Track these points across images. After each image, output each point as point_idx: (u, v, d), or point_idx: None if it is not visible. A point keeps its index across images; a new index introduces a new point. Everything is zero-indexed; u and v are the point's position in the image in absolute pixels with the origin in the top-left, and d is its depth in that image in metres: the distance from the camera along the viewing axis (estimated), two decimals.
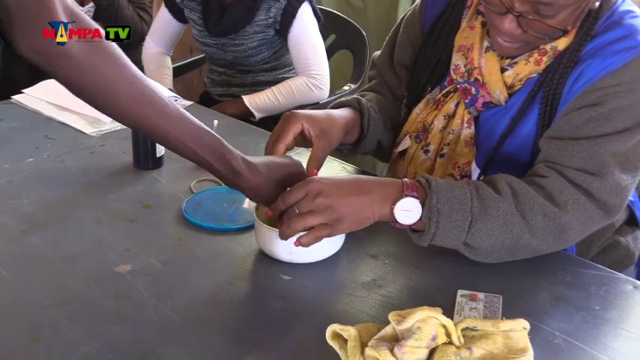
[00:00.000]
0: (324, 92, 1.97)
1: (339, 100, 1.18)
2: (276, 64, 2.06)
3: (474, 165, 1.10)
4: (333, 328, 0.76)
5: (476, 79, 1.07)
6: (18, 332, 0.80)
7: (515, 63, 1.03)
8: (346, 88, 2.22)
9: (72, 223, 1.05)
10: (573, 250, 1.08)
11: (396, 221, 0.89)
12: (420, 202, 0.88)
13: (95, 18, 2.34)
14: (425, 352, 0.70)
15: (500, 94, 1.05)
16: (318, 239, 0.88)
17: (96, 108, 0.82)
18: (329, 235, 0.88)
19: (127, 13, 2.33)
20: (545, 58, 1.01)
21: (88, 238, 1.01)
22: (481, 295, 0.86)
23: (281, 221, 0.89)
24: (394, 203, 0.88)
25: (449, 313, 0.82)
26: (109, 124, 1.42)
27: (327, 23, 2.08)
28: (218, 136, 0.89)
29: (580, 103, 0.96)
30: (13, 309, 0.84)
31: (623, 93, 0.93)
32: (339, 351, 0.75)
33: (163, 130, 0.84)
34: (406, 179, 0.91)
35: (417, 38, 1.21)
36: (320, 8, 2.05)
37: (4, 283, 0.89)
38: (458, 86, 1.10)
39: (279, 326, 0.82)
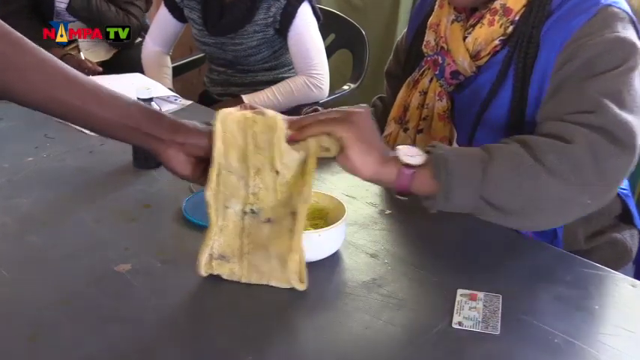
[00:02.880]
0: (323, 91, 1.97)
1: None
2: (276, 63, 2.06)
3: (455, 144, 1.13)
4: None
5: (442, 48, 1.12)
6: (18, 332, 0.79)
7: (473, 29, 1.07)
8: (345, 87, 2.22)
9: (71, 223, 1.05)
10: (561, 237, 1.09)
11: (401, 165, 0.84)
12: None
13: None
14: None
15: (463, 61, 1.09)
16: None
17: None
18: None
19: (111, 16, 2.34)
20: (497, 18, 1.04)
21: (87, 237, 1.01)
22: (481, 295, 0.86)
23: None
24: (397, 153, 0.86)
25: (449, 312, 0.83)
26: None
27: (327, 23, 2.08)
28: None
29: (559, 64, 0.98)
30: (12, 309, 0.84)
31: (594, 41, 0.95)
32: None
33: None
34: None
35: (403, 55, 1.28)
36: (320, 8, 2.05)
37: (4, 282, 0.89)
38: (428, 59, 1.16)
39: (279, 326, 0.82)
